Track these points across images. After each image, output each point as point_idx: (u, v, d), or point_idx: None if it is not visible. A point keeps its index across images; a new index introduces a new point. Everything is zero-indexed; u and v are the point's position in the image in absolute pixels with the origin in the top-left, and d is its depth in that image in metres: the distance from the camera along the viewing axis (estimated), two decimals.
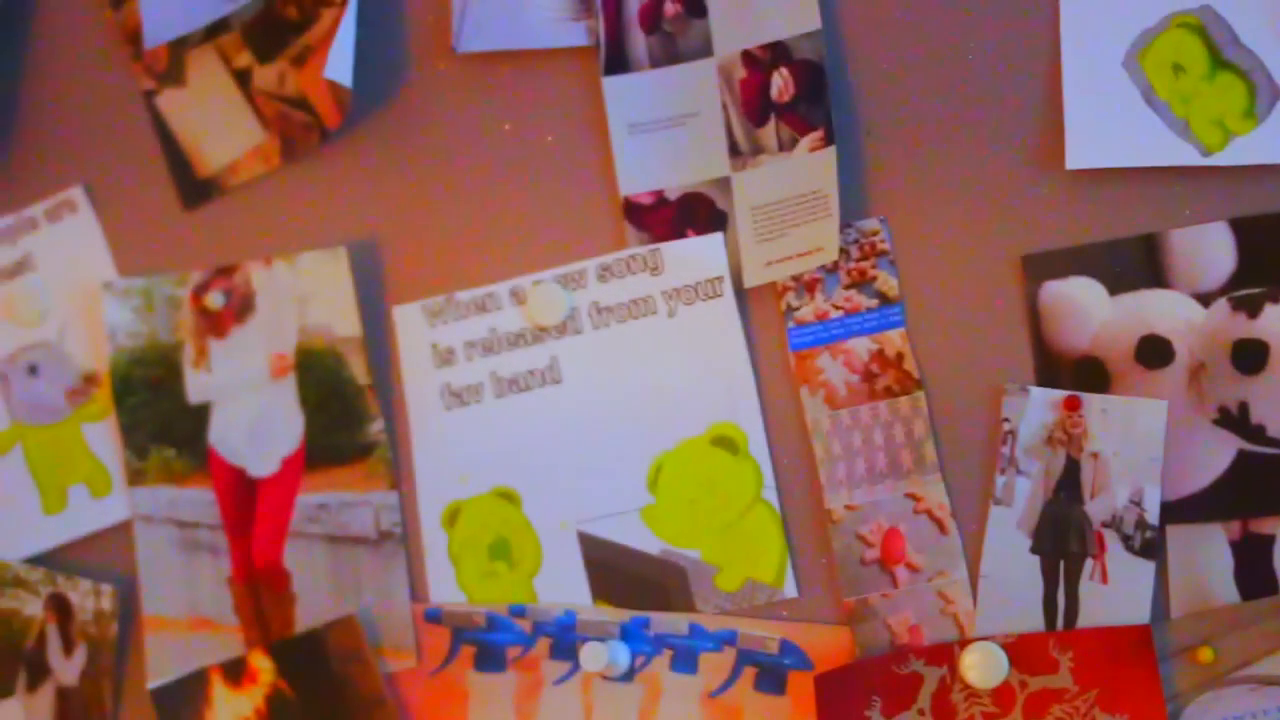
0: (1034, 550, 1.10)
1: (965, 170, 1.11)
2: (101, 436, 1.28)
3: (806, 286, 1.14)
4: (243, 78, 1.25)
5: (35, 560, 1.29)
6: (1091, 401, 1.08)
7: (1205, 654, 1.06)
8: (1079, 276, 1.10)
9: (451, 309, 1.20)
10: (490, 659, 1.19)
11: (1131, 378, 1.08)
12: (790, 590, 1.14)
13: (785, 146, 1.13)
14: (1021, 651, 1.08)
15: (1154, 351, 1.08)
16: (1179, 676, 1.06)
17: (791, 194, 1.12)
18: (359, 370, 1.21)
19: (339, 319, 1.21)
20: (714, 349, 1.15)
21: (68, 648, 1.26)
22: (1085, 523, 1.09)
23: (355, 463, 1.21)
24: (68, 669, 1.26)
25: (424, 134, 1.21)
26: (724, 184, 1.15)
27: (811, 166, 1.11)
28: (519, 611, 1.18)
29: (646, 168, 1.17)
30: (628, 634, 1.16)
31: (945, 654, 1.09)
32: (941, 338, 1.12)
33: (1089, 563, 1.09)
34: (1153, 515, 1.07)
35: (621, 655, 1.15)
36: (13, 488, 1.29)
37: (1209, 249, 1.08)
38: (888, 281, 1.13)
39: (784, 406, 1.15)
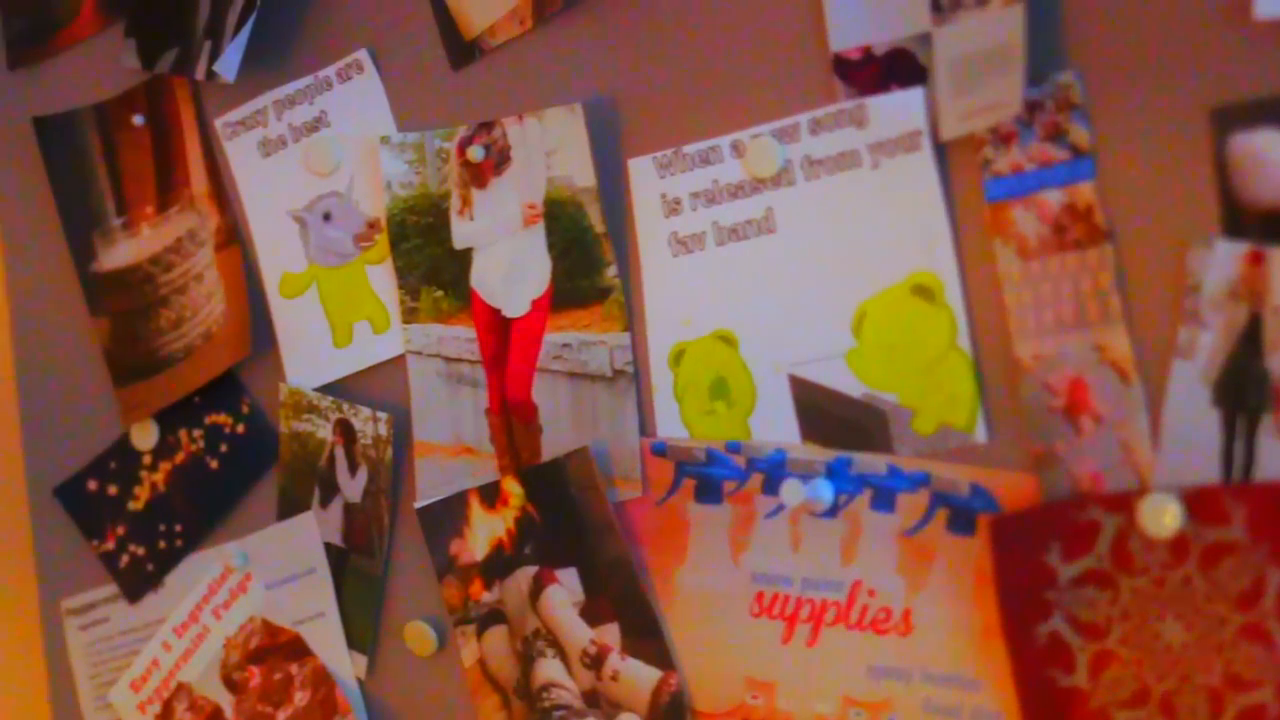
0: (1214, 403, 1.13)
1: (1156, 22, 1.14)
2: (381, 278, 1.43)
3: (1003, 139, 1.19)
4: None
5: (326, 389, 1.45)
6: (1276, 256, 1.10)
7: None
8: (1268, 129, 1.11)
9: (679, 161, 1.30)
10: (709, 492, 1.29)
11: None
12: (981, 435, 1.21)
13: (981, 1, 1.18)
14: (1198, 503, 1.12)
15: None
16: None
17: (984, 48, 1.18)
18: (596, 219, 1.32)
19: (579, 171, 1.33)
20: (913, 201, 1.22)
21: (352, 468, 1.44)
22: (1265, 377, 1.11)
23: (594, 305, 1.34)
24: (352, 487, 1.44)
25: None
26: (925, 39, 1.21)
27: (1003, 20, 1.16)
28: (735, 448, 1.29)
29: (856, 24, 1.23)
30: (833, 472, 1.25)
31: (1124, 502, 1.14)
32: (1129, 190, 1.16)
33: (1268, 417, 1.11)
34: None
35: (826, 492, 1.25)
36: (309, 324, 1.46)
37: None
38: (1079, 134, 1.17)
39: (978, 257, 1.21)
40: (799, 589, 1.26)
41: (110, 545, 1.56)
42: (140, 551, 1.55)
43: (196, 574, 1.54)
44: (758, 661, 1.29)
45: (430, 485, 1.40)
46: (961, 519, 1.21)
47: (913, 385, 1.22)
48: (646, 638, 1.32)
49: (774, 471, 1.27)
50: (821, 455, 1.25)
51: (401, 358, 1.42)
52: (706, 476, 1.29)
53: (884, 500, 1.23)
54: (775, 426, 1.27)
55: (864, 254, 1.24)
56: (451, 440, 1.39)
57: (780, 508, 1.26)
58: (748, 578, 1.28)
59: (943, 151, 1.22)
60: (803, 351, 1.26)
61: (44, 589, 1.61)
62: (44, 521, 1.60)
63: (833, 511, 1.25)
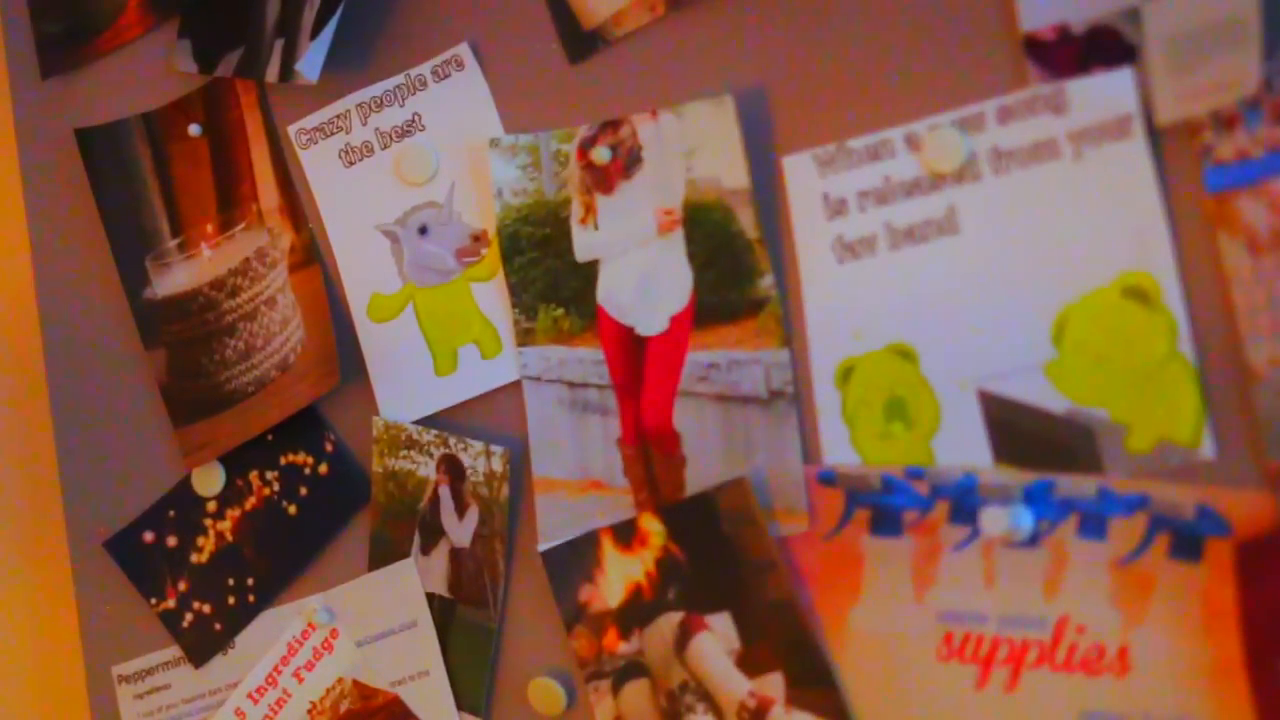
0: None
1: None
2: (490, 296, 1.31)
3: (1225, 123, 1.09)
4: None
5: (426, 422, 1.32)
6: None
7: None
8: None
9: (843, 157, 1.19)
10: (886, 523, 1.18)
11: None
12: (1208, 451, 1.10)
13: None
14: None
15: None
16: None
17: (1209, 21, 1.08)
18: (748, 223, 1.21)
19: (727, 171, 1.21)
20: (1123, 193, 1.12)
21: (460, 509, 1.31)
22: None
23: (745, 320, 1.22)
24: (460, 530, 1.31)
25: None
26: (1133, 14, 1.11)
27: None
28: (916, 474, 1.17)
29: (1049, 1, 1.13)
30: (1031, 497, 1.14)
31: None
32: None
33: None
34: None
35: (1025, 519, 1.13)
36: (406, 350, 1.33)
37: None
38: None
39: (1200, 253, 1.12)
40: (995, 627, 1.15)
41: (171, 603, 1.41)
42: (206, 609, 1.41)
43: (273, 633, 1.40)
44: (947, 710, 1.18)
45: (553, 526, 1.27)
46: (1186, 544, 1.10)
47: (1126, 398, 1.12)
48: (816, 687, 1.20)
49: (963, 498, 1.15)
50: (1018, 479, 1.14)
51: (515, 385, 1.30)
52: (884, 506, 1.18)
53: (1093, 526, 1.12)
54: (962, 449, 1.17)
55: (1064, 254, 1.13)
56: (578, 475, 1.27)
57: (972, 538, 1.15)
58: (934, 617, 1.17)
59: (1154, 137, 1.10)
60: (994, 365, 1.15)
61: (90, 654, 1.46)
62: (89, 579, 1.46)
63: (1033, 540, 1.14)
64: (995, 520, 1.14)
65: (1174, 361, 1.12)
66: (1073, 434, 1.14)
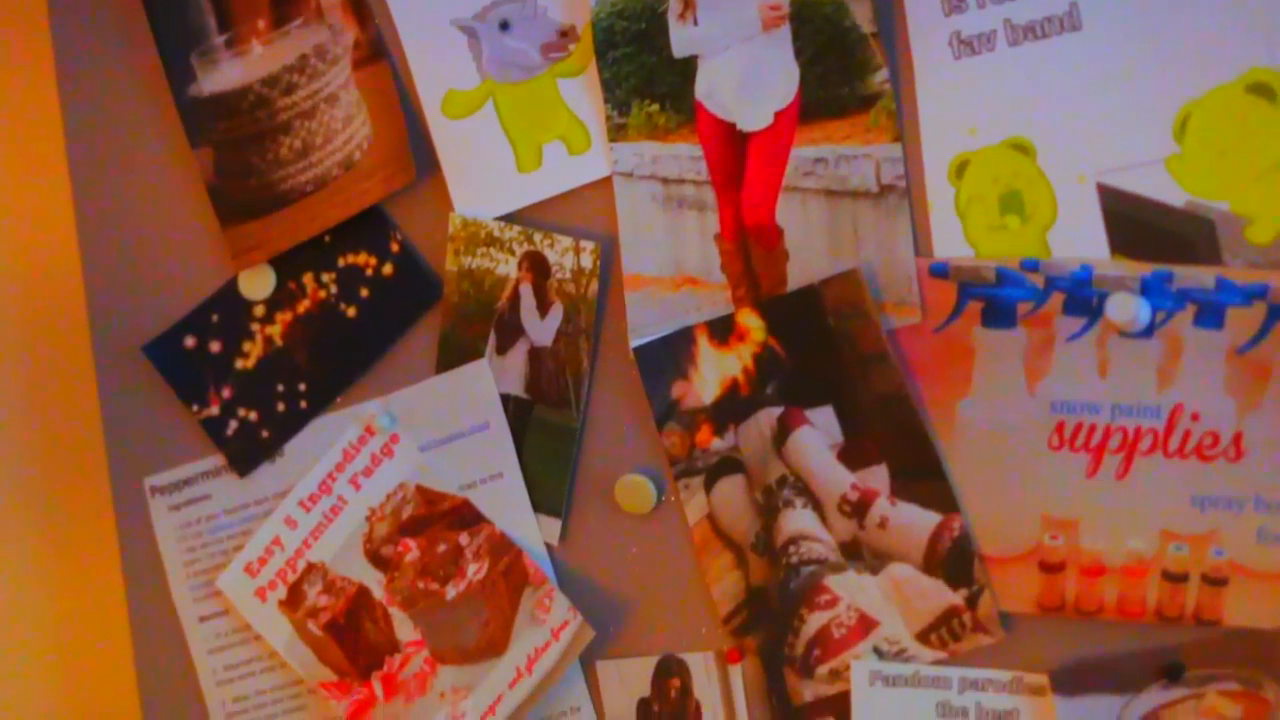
0: None
1: None
2: (578, 92, 1.30)
3: None
4: None
5: (508, 219, 1.31)
6: None
7: None
8: None
9: None
10: (999, 315, 1.21)
11: None
12: None
13: None
14: None
15: None
16: None
17: None
18: (863, 17, 1.22)
19: None
20: None
21: (542, 307, 1.30)
22: None
23: (855, 115, 1.23)
24: (541, 329, 1.30)
25: None
26: None
27: None
28: (1031, 266, 1.20)
29: None
30: (1148, 288, 1.17)
31: None
32: None
33: None
34: None
35: (1142, 310, 1.16)
36: (485, 146, 1.32)
37: None
38: None
39: None
40: (1108, 417, 1.19)
41: (214, 410, 1.39)
42: (252, 416, 1.39)
43: (325, 440, 1.38)
44: (1057, 498, 1.21)
45: (646, 322, 1.28)
46: None
47: (1248, 192, 1.17)
48: (922, 479, 1.23)
49: (1078, 290, 1.19)
50: (1135, 270, 1.17)
51: (602, 182, 1.29)
52: (997, 298, 1.21)
53: (1210, 316, 1.17)
54: (1079, 242, 1.20)
55: (1188, 50, 1.17)
56: (671, 271, 1.28)
57: (1087, 329, 1.19)
58: (1045, 407, 1.21)
59: None
60: (1113, 159, 1.19)
61: (116, 466, 1.42)
62: (115, 387, 1.41)
63: (1148, 330, 1.17)
64: (1122, 306, 1.17)
65: None
66: (1192, 226, 1.18)
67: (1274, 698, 1.15)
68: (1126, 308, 1.16)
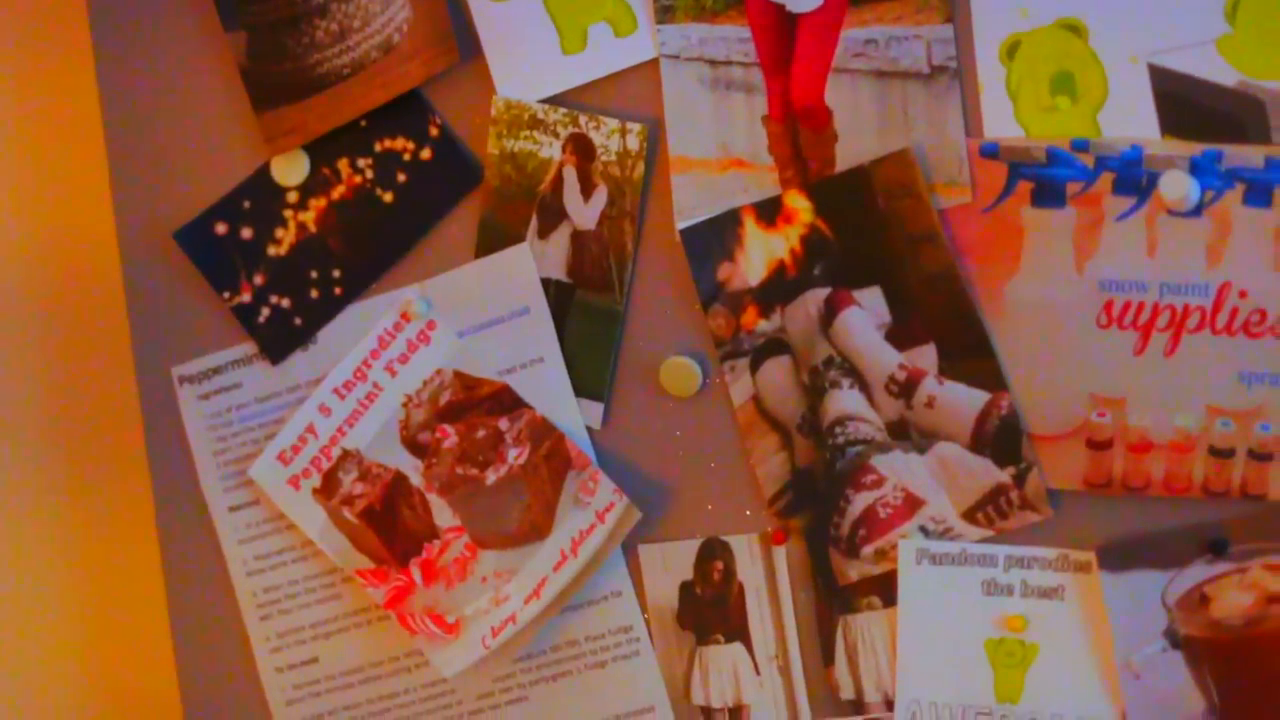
0: None
1: None
2: None
3: None
4: None
5: (552, 101, 1.31)
6: None
7: None
8: None
9: None
10: (1049, 194, 1.22)
11: None
12: None
13: None
14: None
15: None
16: None
17: None
18: None
19: None
20: None
21: (586, 190, 1.30)
22: None
23: None
24: (585, 212, 1.31)
25: None
26: None
27: None
28: (1081, 146, 1.22)
29: None
30: (1198, 168, 1.19)
31: None
32: None
33: None
34: None
35: (1192, 189, 1.18)
36: (529, 28, 1.32)
37: None
38: None
39: None
40: (1156, 295, 1.21)
41: (245, 297, 1.39)
42: (285, 303, 1.38)
43: (360, 327, 1.38)
44: (1105, 376, 1.23)
45: (691, 204, 1.29)
46: None
47: None
48: (971, 358, 1.25)
49: (1128, 170, 1.21)
50: (1186, 150, 1.19)
51: (647, 65, 1.29)
52: (1047, 178, 1.23)
53: (1259, 195, 1.19)
54: (1129, 122, 1.22)
55: None
56: (717, 153, 1.29)
57: (1137, 207, 1.21)
58: (1094, 286, 1.23)
59: None
60: (1165, 39, 1.21)
61: (142, 354, 1.41)
62: (140, 274, 1.41)
63: (1197, 210, 1.19)
64: (1174, 184, 1.19)
65: None
66: (1243, 106, 1.20)
67: None
68: (1178, 185, 1.18)
